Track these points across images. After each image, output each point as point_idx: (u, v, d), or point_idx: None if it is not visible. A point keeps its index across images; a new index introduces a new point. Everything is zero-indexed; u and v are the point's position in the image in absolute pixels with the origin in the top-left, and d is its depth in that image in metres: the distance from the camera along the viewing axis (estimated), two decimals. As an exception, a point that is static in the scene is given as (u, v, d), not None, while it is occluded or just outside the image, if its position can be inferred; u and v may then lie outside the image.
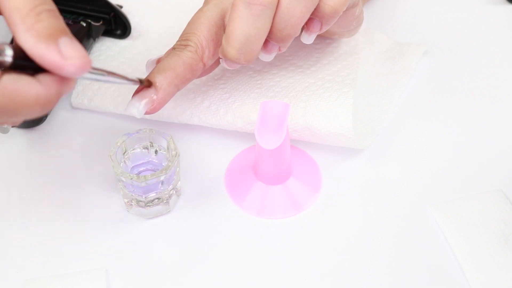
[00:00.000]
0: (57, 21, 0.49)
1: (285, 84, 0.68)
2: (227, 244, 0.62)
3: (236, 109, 0.66)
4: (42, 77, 0.49)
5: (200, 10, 0.62)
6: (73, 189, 0.65)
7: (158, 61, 0.63)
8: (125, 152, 0.63)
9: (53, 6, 0.50)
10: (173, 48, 0.62)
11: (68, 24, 0.71)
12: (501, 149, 0.67)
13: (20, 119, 0.51)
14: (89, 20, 0.72)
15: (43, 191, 0.65)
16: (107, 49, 0.74)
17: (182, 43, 0.61)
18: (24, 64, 0.49)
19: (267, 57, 0.62)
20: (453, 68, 0.73)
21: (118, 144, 0.62)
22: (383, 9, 0.78)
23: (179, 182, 0.64)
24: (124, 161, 0.63)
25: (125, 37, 0.74)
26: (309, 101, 0.65)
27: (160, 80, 0.60)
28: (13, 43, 0.50)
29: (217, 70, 0.69)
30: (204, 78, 0.68)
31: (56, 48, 0.48)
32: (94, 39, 0.73)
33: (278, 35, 0.60)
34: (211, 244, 0.62)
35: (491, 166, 0.66)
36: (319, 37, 0.70)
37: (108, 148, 0.62)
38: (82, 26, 0.72)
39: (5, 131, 0.65)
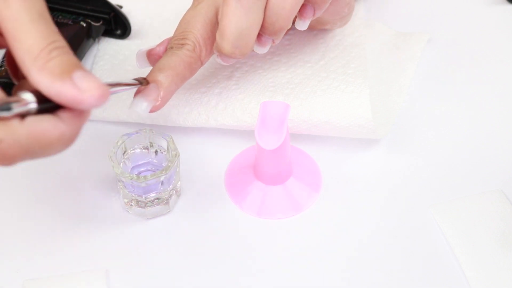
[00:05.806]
0: (68, 56, 0.49)
1: (298, 80, 0.68)
2: (227, 244, 0.62)
3: (253, 109, 0.66)
4: (62, 114, 0.49)
5: (194, 8, 0.62)
6: (73, 189, 0.65)
7: (149, 52, 0.63)
8: (125, 152, 0.63)
9: (63, 43, 0.49)
10: (171, 47, 0.62)
11: (68, 24, 0.72)
12: (501, 149, 0.67)
13: (42, 157, 0.50)
14: (89, 20, 0.72)
15: (43, 191, 0.65)
16: (107, 49, 0.74)
17: (179, 42, 0.61)
18: (44, 105, 0.48)
19: (262, 50, 0.62)
20: (452, 69, 0.73)
21: (118, 144, 0.62)
22: (383, 3, 0.78)
23: (179, 182, 0.64)
24: (124, 162, 0.63)
25: (125, 37, 0.74)
26: (326, 95, 0.65)
27: (162, 79, 0.60)
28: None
29: (226, 72, 0.69)
30: (213, 80, 0.68)
31: (72, 83, 0.48)
32: (94, 39, 0.73)
33: (270, 29, 0.60)
34: (211, 244, 0.62)
35: (491, 166, 0.66)
36: (312, 29, 0.70)
37: (108, 149, 0.62)
38: (82, 26, 0.72)
39: None
